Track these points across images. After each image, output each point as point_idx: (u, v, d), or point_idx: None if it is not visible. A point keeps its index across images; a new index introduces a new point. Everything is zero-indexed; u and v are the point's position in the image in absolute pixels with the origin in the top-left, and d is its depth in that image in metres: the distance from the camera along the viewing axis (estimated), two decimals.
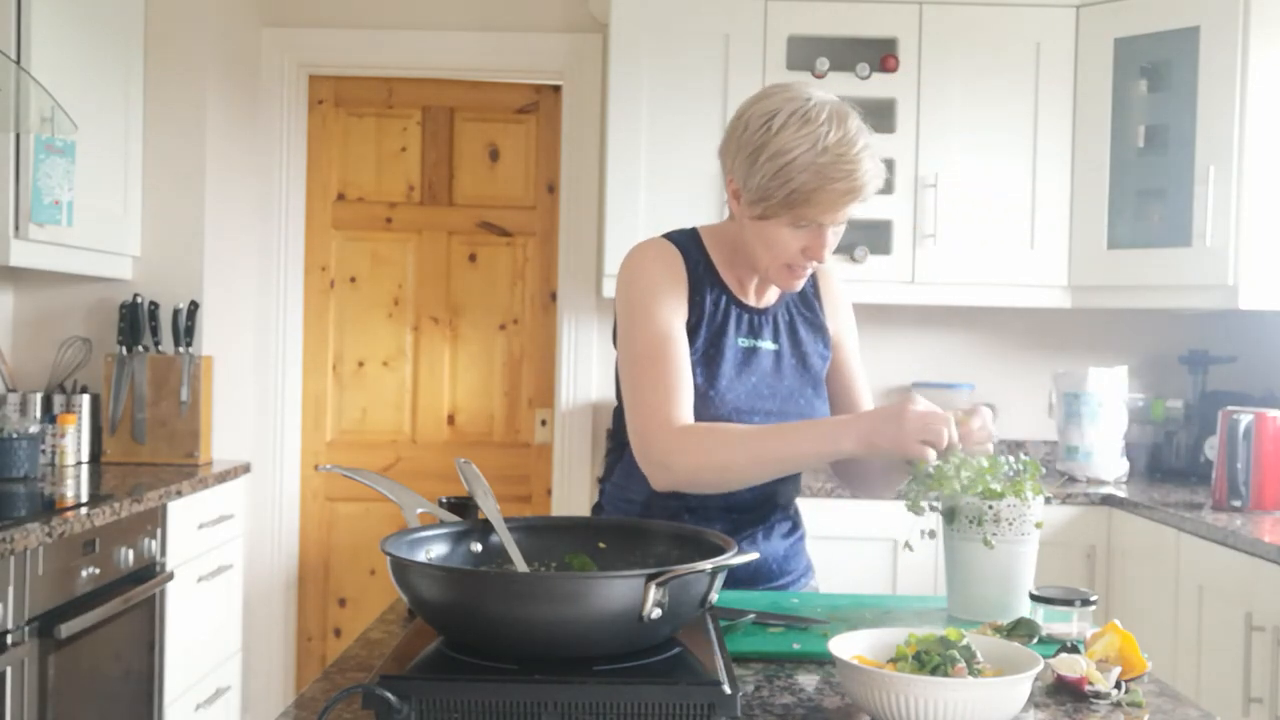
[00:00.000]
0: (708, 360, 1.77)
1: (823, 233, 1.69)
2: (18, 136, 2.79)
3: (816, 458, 1.62)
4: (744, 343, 1.80)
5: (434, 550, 1.34)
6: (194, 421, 3.40)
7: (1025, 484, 1.52)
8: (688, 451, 1.66)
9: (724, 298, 1.81)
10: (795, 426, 1.69)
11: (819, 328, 1.88)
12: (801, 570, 1.88)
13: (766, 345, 1.81)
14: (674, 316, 1.75)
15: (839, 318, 1.92)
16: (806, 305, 1.89)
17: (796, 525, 1.89)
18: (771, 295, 1.85)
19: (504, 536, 1.38)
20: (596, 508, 1.94)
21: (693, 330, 1.77)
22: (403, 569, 1.17)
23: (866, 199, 1.70)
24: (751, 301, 1.83)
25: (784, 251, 1.71)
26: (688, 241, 1.83)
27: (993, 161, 3.53)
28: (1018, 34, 3.53)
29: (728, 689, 1.05)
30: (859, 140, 1.66)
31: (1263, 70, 3.22)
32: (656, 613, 1.09)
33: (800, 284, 1.77)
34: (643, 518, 1.81)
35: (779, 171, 1.65)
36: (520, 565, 1.35)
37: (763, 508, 1.81)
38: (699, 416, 1.75)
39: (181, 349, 3.40)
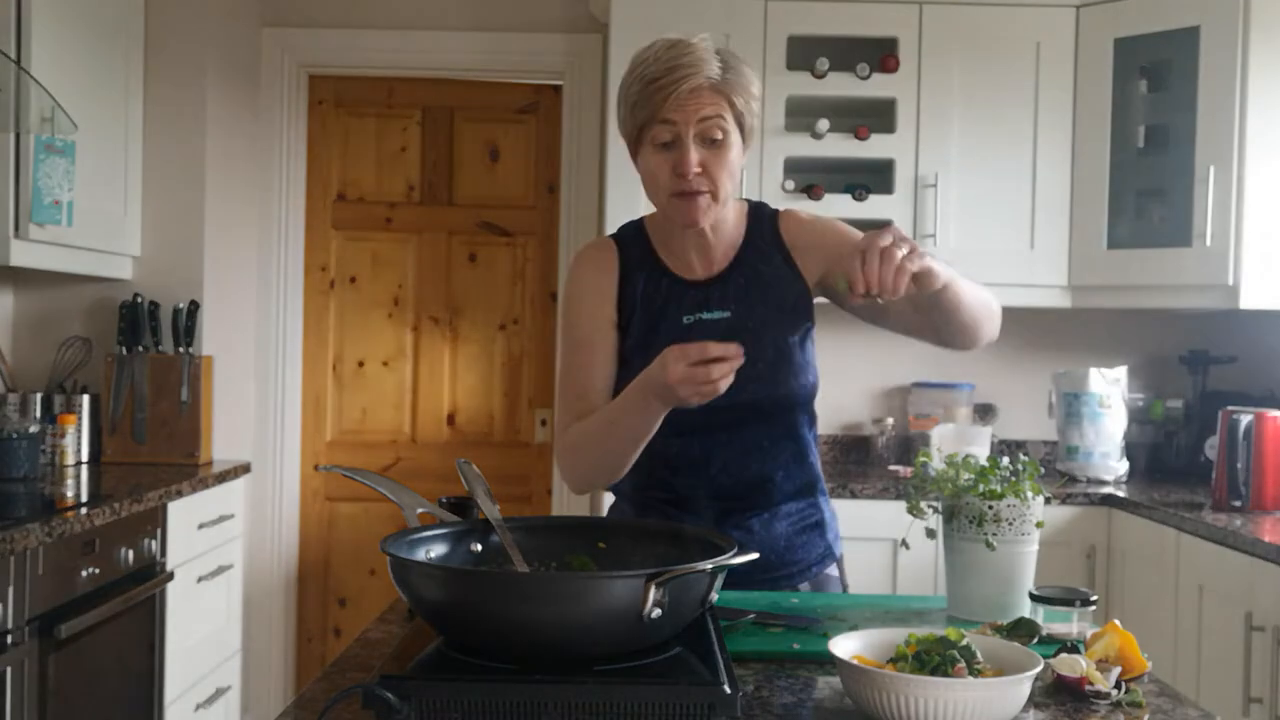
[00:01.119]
0: (645, 345, 1.74)
1: (683, 142, 1.65)
2: (18, 136, 2.79)
3: (645, 423, 1.61)
4: (688, 319, 1.77)
5: (434, 550, 1.34)
6: (194, 421, 3.40)
7: (1025, 484, 1.52)
8: (567, 468, 1.75)
9: (664, 280, 1.79)
10: (619, 404, 1.65)
11: (784, 282, 1.80)
12: (814, 560, 1.82)
13: (714, 315, 1.77)
14: (591, 320, 1.78)
15: (820, 247, 1.81)
16: (765, 260, 1.81)
17: (809, 515, 1.82)
18: (719, 261, 1.80)
19: (504, 537, 1.38)
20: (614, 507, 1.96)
21: (628, 321, 1.78)
22: (403, 569, 1.17)
23: (709, 87, 1.65)
24: (697, 275, 1.79)
25: (659, 177, 1.69)
26: (630, 232, 1.85)
27: (993, 161, 3.53)
28: (1018, 34, 3.53)
29: (728, 689, 1.05)
30: (690, 48, 1.66)
31: (1263, 70, 3.22)
32: (656, 613, 1.09)
33: (700, 214, 1.69)
34: (637, 513, 1.82)
35: (624, 96, 1.70)
36: (520, 565, 1.35)
37: (752, 495, 1.78)
38: None
39: (181, 349, 3.40)
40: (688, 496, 1.76)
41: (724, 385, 1.48)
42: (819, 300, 1.84)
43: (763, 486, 1.78)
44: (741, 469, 1.77)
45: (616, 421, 1.65)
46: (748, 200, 1.88)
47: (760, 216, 1.84)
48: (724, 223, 1.78)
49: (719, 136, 1.66)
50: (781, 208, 1.89)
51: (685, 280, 1.79)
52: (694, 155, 1.65)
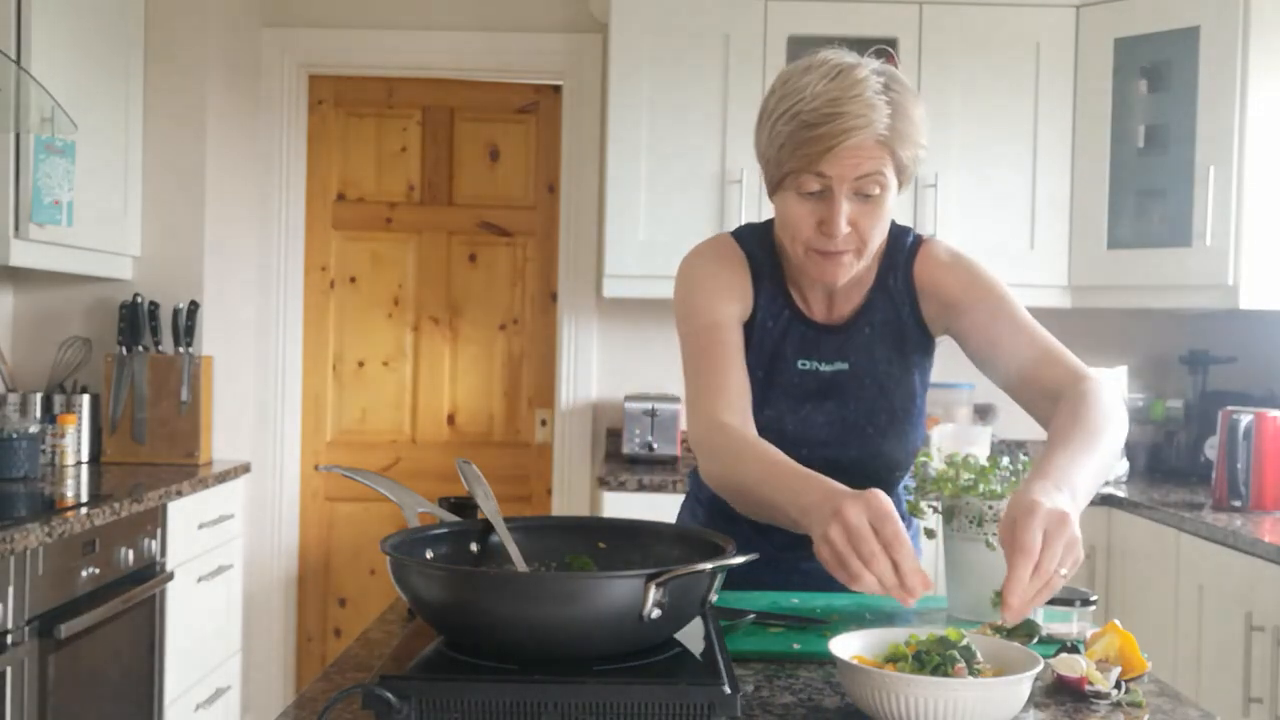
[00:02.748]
0: (758, 385, 1.61)
1: (834, 199, 1.47)
2: (18, 136, 2.79)
3: (774, 511, 1.38)
4: (804, 365, 1.63)
5: (434, 550, 1.34)
6: (194, 421, 3.40)
7: None
8: (713, 456, 1.50)
9: (786, 311, 1.64)
10: (794, 473, 1.37)
11: (909, 337, 1.64)
12: (828, 580, 1.70)
13: (832, 367, 1.63)
14: (725, 305, 1.60)
15: (946, 297, 1.61)
16: (894, 311, 1.63)
17: None
18: (845, 306, 1.64)
19: (504, 536, 1.38)
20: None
21: (749, 332, 1.62)
22: (403, 569, 1.17)
23: (876, 142, 1.45)
24: (820, 316, 1.65)
25: (800, 229, 1.51)
26: (755, 242, 1.66)
27: (992, 161, 3.54)
28: (1018, 34, 3.53)
29: (728, 689, 1.05)
30: (855, 86, 1.44)
31: (1263, 70, 3.22)
32: (656, 613, 1.09)
33: (842, 273, 1.53)
34: (709, 519, 1.74)
35: (771, 129, 1.50)
36: (520, 565, 1.35)
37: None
38: None
39: (181, 349, 3.40)
40: (768, 527, 1.50)
41: (865, 586, 1.20)
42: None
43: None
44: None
45: (777, 483, 1.37)
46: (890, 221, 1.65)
47: (898, 249, 1.65)
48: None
49: (876, 192, 1.48)
50: (926, 236, 1.69)
51: (806, 320, 1.64)
52: (845, 215, 1.48)
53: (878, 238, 1.54)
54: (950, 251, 1.66)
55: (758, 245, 1.66)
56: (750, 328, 1.64)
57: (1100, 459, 1.39)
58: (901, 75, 1.53)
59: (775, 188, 1.54)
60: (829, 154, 1.45)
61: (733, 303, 1.62)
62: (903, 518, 1.50)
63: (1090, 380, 1.52)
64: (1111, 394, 1.51)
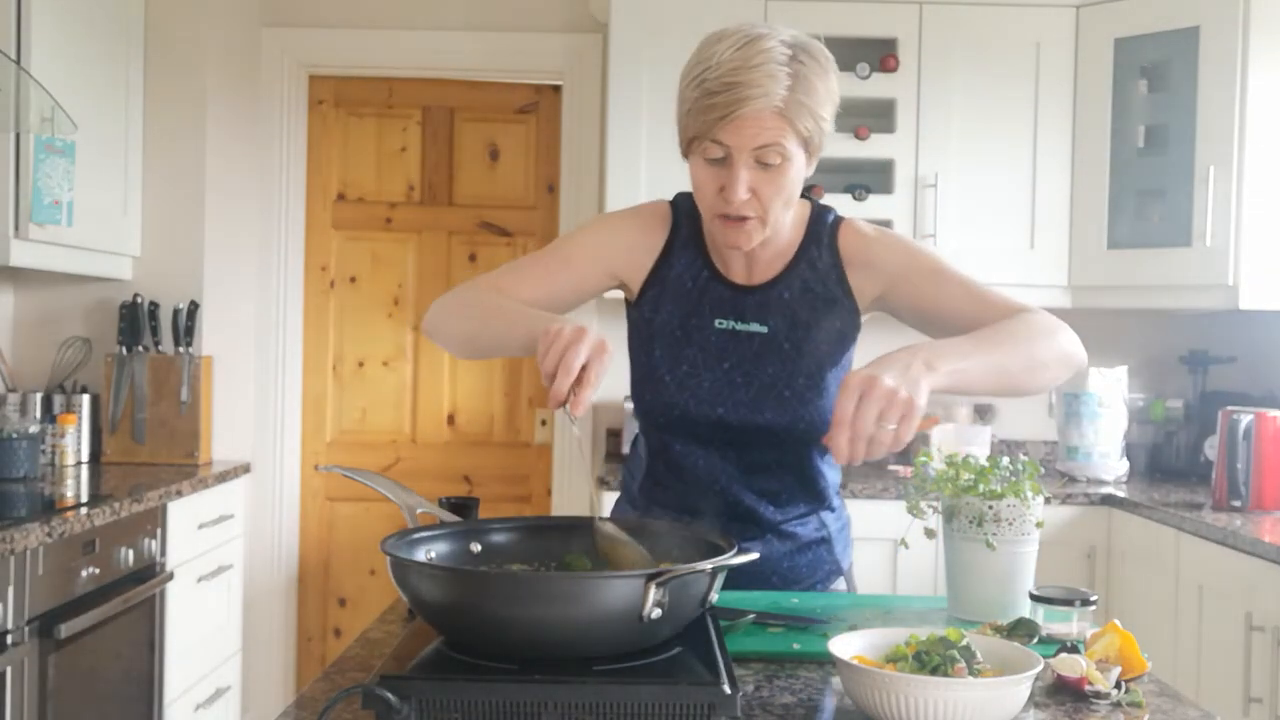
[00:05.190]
0: (674, 342, 1.66)
1: (734, 166, 1.50)
2: (18, 136, 2.79)
3: (516, 343, 1.52)
4: (722, 324, 1.66)
5: (434, 550, 1.34)
6: (194, 421, 3.40)
7: (1025, 484, 1.52)
8: (438, 312, 1.64)
9: (704, 272, 1.67)
10: (519, 309, 1.55)
11: (832, 306, 1.65)
12: (819, 578, 1.75)
13: (749, 328, 1.65)
14: (595, 252, 1.69)
15: (881, 268, 1.64)
16: (818, 280, 1.65)
17: (814, 533, 1.73)
18: (766, 270, 1.66)
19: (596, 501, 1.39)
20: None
21: (654, 297, 1.68)
22: (403, 569, 1.17)
23: (774, 112, 1.47)
24: (740, 278, 1.67)
25: (704, 194, 1.56)
26: (688, 206, 1.69)
27: (993, 161, 3.54)
28: (1018, 34, 3.53)
29: (728, 689, 1.05)
30: (758, 56, 1.46)
31: (1263, 70, 3.22)
32: (656, 613, 1.09)
33: (744, 239, 1.56)
34: (640, 516, 1.77)
35: (681, 94, 1.54)
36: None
37: (755, 515, 1.69)
38: (656, 402, 1.67)
39: (181, 349, 3.40)
40: (692, 508, 1.66)
41: (548, 379, 1.35)
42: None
43: (762, 508, 1.70)
44: (744, 489, 1.69)
45: (503, 315, 1.54)
46: (811, 201, 1.71)
47: (820, 223, 1.68)
48: (777, 229, 1.61)
49: (776, 162, 1.50)
50: (846, 215, 1.72)
51: (725, 281, 1.67)
52: (744, 182, 1.50)
53: (781, 206, 1.55)
54: (872, 225, 1.70)
55: (688, 205, 1.69)
56: (660, 283, 1.69)
57: (1002, 346, 1.46)
58: (819, 47, 1.54)
59: (685, 152, 1.59)
60: (726, 122, 1.48)
61: (608, 257, 1.69)
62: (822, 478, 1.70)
63: (1026, 311, 1.55)
64: (1044, 317, 1.54)
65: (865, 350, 1.58)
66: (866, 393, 1.29)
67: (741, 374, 1.65)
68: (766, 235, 1.58)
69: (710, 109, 1.48)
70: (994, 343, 1.46)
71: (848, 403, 1.29)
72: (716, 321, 1.66)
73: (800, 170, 1.54)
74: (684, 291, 1.68)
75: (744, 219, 1.54)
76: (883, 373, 1.31)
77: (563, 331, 1.35)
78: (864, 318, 1.71)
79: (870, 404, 1.28)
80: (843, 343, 1.67)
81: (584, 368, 1.33)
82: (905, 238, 1.71)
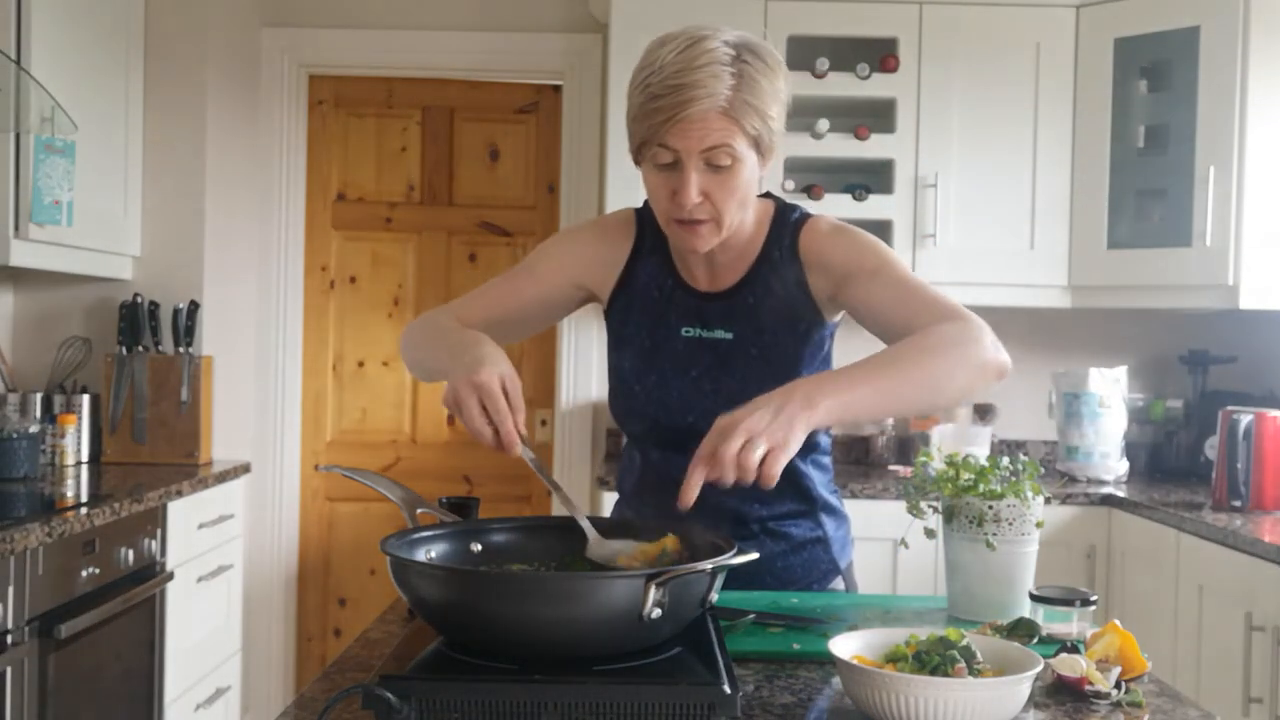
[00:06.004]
0: (643, 353, 1.66)
1: (684, 170, 1.48)
2: (18, 136, 2.79)
3: (443, 371, 1.51)
4: (689, 332, 1.65)
5: (434, 550, 1.34)
6: (194, 421, 3.40)
7: (1025, 484, 1.52)
8: (409, 330, 1.69)
9: (669, 280, 1.67)
10: (458, 335, 1.54)
11: (796, 310, 1.64)
12: (815, 578, 1.75)
13: (715, 335, 1.64)
14: (558, 267, 1.70)
15: (831, 268, 1.62)
16: (780, 283, 1.64)
17: (807, 533, 1.73)
18: (728, 275, 1.65)
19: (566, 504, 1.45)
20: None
21: (622, 306, 1.68)
22: (403, 569, 1.17)
23: (719, 113, 1.45)
24: (704, 285, 1.66)
25: (657, 199, 1.55)
26: (652, 214, 1.66)
27: (993, 161, 3.53)
28: (1018, 34, 3.53)
29: (728, 689, 1.05)
30: (701, 58, 1.45)
31: (1263, 70, 3.22)
32: (656, 613, 1.09)
33: (700, 242, 1.55)
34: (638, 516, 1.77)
35: (629, 100, 1.52)
36: (589, 531, 1.39)
37: (741, 519, 1.68)
38: (630, 413, 1.68)
39: (181, 349, 3.40)
40: (680, 512, 1.63)
41: (475, 431, 1.39)
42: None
43: (748, 507, 1.69)
44: (726, 495, 1.60)
45: (444, 348, 1.54)
46: (775, 200, 1.69)
47: (784, 223, 1.66)
48: (737, 232, 1.60)
49: (726, 163, 1.49)
50: (812, 213, 1.69)
51: (689, 288, 1.67)
52: (694, 185, 1.49)
53: (735, 208, 1.54)
54: (833, 224, 1.67)
55: (653, 220, 1.67)
56: (629, 294, 1.69)
57: (899, 366, 1.42)
58: (765, 46, 1.53)
59: (636, 159, 1.57)
60: (672, 125, 1.46)
61: (573, 269, 1.70)
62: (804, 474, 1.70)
63: (952, 319, 1.49)
64: (961, 327, 1.47)
65: (853, 351, 1.56)
66: (727, 431, 1.28)
67: (710, 381, 1.64)
68: (724, 237, 1.57)
69: (656, 112, 1.47)
70: (892, 364, 1.42)
71: (707, 442, 1.30)
72: (683, 330, 1.66)
73: (753, 170, 1.53)
74: (650, 301, 1.68)
75: (699, 222, 1.53)
76: (753, 411, 1.30)
77: (461, 398, 1.39)
78: (836, 318, 1.69)
79: (732, 441, 1.27)
80: (812, 344, 1.66)
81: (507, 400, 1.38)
82: (862, 236, 1.65)
